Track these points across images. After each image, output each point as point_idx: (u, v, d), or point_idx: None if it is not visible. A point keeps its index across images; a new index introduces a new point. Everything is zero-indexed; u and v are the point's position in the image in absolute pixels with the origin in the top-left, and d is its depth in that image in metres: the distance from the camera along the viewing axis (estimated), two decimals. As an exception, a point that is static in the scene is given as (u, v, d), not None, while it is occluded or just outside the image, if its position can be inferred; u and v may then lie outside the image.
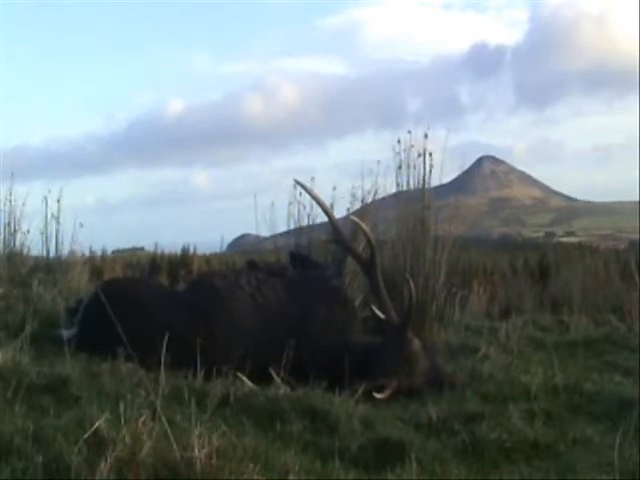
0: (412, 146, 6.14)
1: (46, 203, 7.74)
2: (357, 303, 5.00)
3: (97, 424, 2.62)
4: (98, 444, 2.53)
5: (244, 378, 3.93)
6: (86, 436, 2.58)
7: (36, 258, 8.11)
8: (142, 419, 2.58)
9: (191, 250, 12.01)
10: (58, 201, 7.74)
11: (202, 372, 3.79)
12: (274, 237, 7.19)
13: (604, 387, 4.10)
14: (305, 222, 6.56)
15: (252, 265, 4.91)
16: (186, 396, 3.28)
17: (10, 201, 7.79)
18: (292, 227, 6.69)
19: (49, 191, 7.80)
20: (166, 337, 3.37)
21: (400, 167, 6.21)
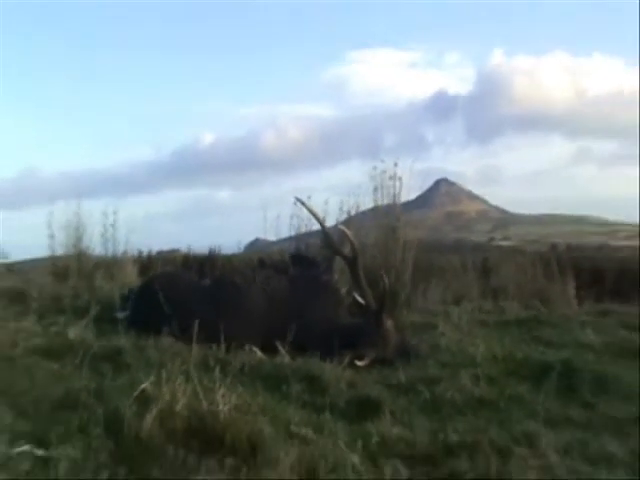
0: (385, 172, 6.19)
1: (105, 215, 7.86)
2: (343, 292, 4.99)
3: (144, 385, 2.62)
4: (145, 400, 2.53)
5: (257, 350, 3.93)
6: (136, 394, 2.58)
7: (98, 257, 8.11)
8: (178, 382, 2.58)
9: (217, 251, 11.96)
10: (114, 213, 7.86)
11: (224, 346, 3.79)
12: (280, 241, 7.20)
13: (531, 355, 4.10)
14: (303, 230, 6.58)
15: (262, 262, 4.96)
16: (212, 364, 3.26)
17: (79, 214, 7.89)
18: (293, 234, 6.71)
19: (107, 206, 7.94)
20: (197, 320, 3.37)
21: (376, 188, 6.26)
